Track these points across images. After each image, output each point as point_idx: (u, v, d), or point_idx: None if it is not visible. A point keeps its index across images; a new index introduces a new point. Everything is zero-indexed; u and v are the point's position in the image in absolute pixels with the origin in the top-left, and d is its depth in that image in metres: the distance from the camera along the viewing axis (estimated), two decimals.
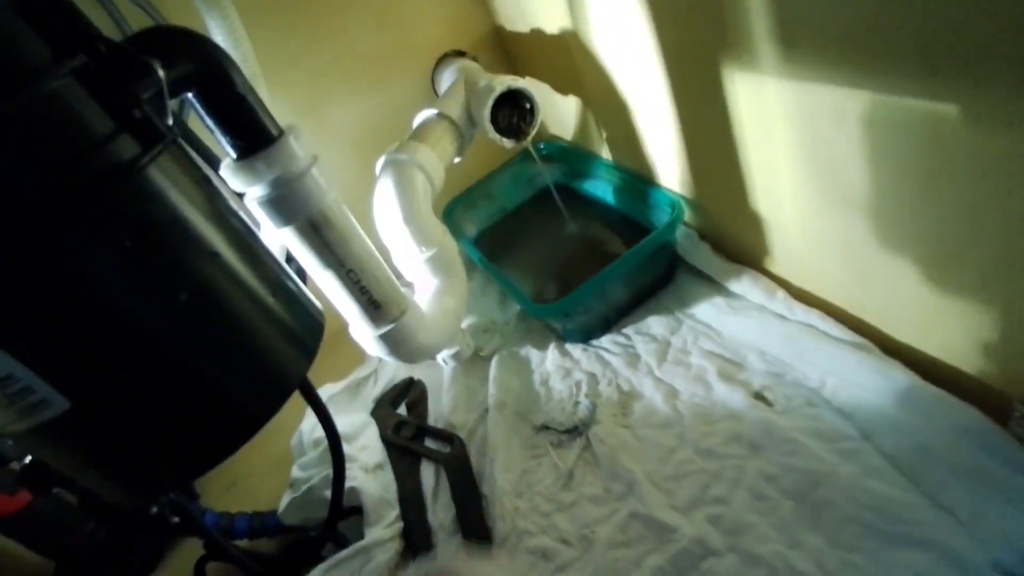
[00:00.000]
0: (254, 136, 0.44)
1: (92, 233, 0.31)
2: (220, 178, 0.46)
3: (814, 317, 0.54)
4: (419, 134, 0.65)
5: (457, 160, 0.71)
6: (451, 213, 0.88)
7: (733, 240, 0.63)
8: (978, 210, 0.36)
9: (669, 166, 0.66)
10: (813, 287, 0.55)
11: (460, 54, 0.82)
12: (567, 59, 0.71)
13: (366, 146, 0.84)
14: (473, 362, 0.75)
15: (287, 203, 0.47)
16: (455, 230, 0.85)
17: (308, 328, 0.44)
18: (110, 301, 0.32)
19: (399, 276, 0.68)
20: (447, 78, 0.77)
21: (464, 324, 0.75)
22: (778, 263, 0.58)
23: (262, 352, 0.39)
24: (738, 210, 0.57)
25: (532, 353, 0.73)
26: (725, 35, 0.44)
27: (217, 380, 0.37)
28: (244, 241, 0.40)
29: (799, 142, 0.45)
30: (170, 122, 0.38)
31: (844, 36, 0.36)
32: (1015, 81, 0.29)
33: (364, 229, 0.62)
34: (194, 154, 0.47)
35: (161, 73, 0.36)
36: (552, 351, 0.71)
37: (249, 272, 0.39)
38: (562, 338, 0.72)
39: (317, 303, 0.47)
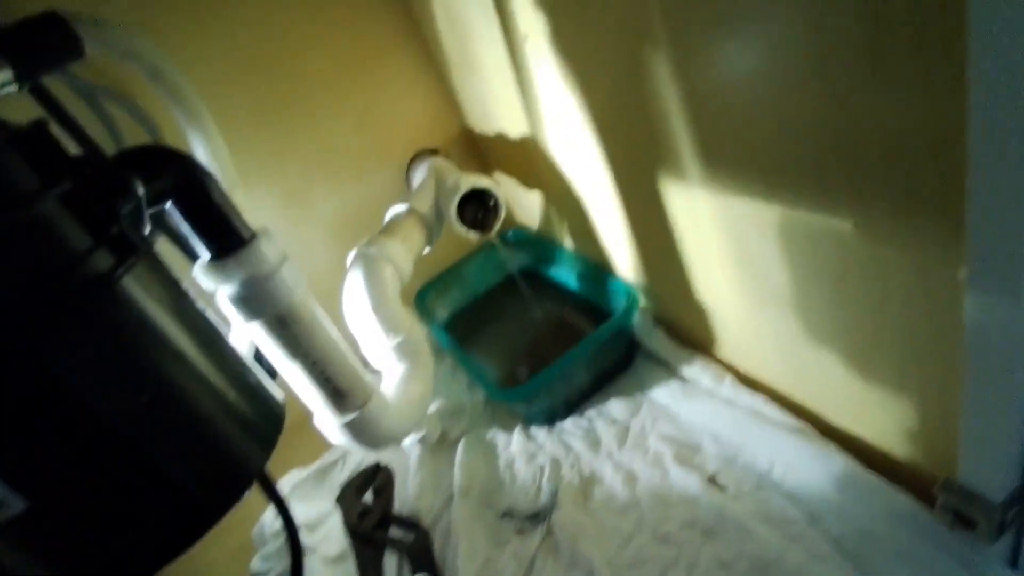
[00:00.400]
0: (227, 240, 0.48)
1: (62, 341, 0.33)
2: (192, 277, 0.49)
3: (759, 402, 0.57)
4: (389, 228, 0.70)
5: (427, 250, 0.75)
6: (423, 298, 0.91)
7: (684, 327, 0.67)
8: (882, 310, 0.39)
9: (624, 257, 0.71)
10: (757, 373, 0.59)
11: (433, 152, 0.89)
12: (528, 159, 0.77)
13: (344, 235, 0.89)
14: (440, 446, 0.76)
15: (255, 300, 0.50)
16: (427, 315, 0.88)
17: (268, 422, 0.46)
18: (73, 403, 0.34)
19: (367, 364, 0.71)
20: (420, 174, 0.83)
21: (431, 408, 0.76)
22: (725, 350, 0.62)
23: (221, 447, 0.41)
24: (686, 300, 0.61)
25: (498, 436, 0.75)
26: (658, 151, 0.50)
27: (176, 476, 0.38)
28: (209, 340, 0.42)
29: (728, 244, 0.49)
30: (147, 231, 0.42)
31: (753, 158, 0.41)
32: (894, 205, 0.34)
33: (338, 316, 0.65)
34: (171, 253, 0.51)
35: (141, 189, 0.40)
36: (517, 434, 0.73)
37: (212, 370, 0.41)
38: (527, 421, 0.74)
39: (279, 396, 0.49)
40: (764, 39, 0.35)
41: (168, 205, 0.45)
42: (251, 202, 0.81)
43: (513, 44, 0.62)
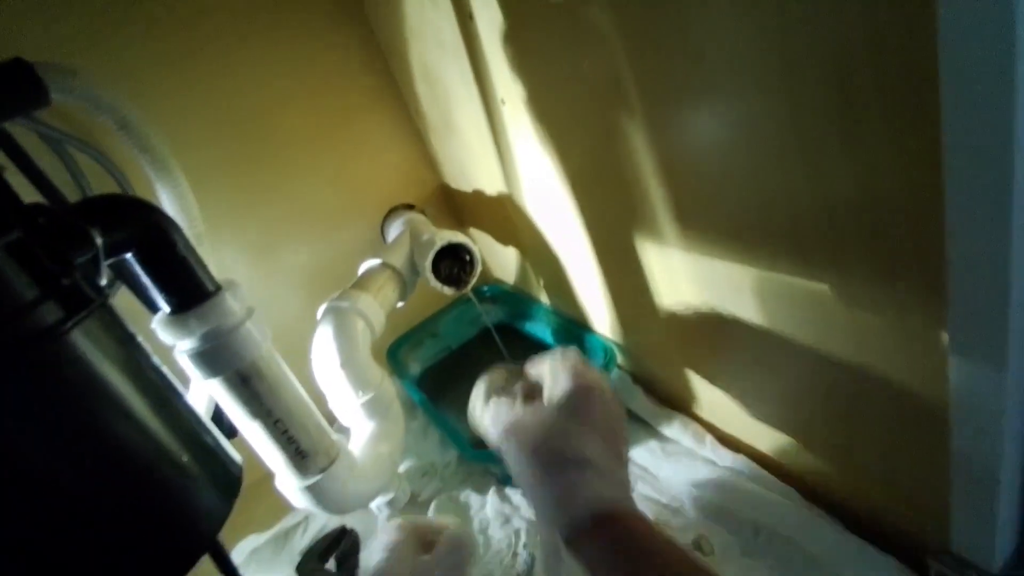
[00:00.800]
0: (189, 293, 0.46)
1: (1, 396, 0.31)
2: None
3: (740, 463, 0.55)
4: (362, 282, 0.68)
5: (400, 304, 0.74)
6: (396, 352, 0.89)
7: (663, 385, 0.66)
8: (865, 375, 0.39)
9: (600, 314, 0.70)
10: (738, 434, 0.58)
11: (409, 207, 0.88)
12: (505, 217, 0.77)
13: (315, 289, 0.87)
14: (411, 509, 0.72)
15: (216, 356, 0.47)
16: (399, 369, 0.85)
17: (223, 487, 0.42)
18: (10, 461, 0.31)
19: (334, 421, 0.67)
20: (395, 229, 0.82)
21: (402, 468, 0.73)
22: (706, 410, 0.61)
23: (170, 514, 0.38)
24: (664, 359, 0.61)
25: (472, 498, 0.71)
26: (634, 212, 0.50)
27: (119, 544, 0.35)
28: (162, 398, 0.40)
29: (706, 304, 0.49)
30: (103, 282, 0.39)
31: (729, 221, 0.42)
32: (873, 270, 0.34)
33: (307, 371, 0.62)
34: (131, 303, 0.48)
35: (99, 240, 0.38)
36: (492, 496, 0.69)
37: (163, 431, 0.38)
38: (502, 481, 0.71)
39: (237, 458, 0.46)
40: (737, 110, 0.36)
41: (130, 256, 0.43)
42: (220, 255, 0.79)
43: (491, 107, 0.63)
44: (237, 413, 0.51)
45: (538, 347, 0.86)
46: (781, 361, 0.45)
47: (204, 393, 0.66)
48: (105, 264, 0.39)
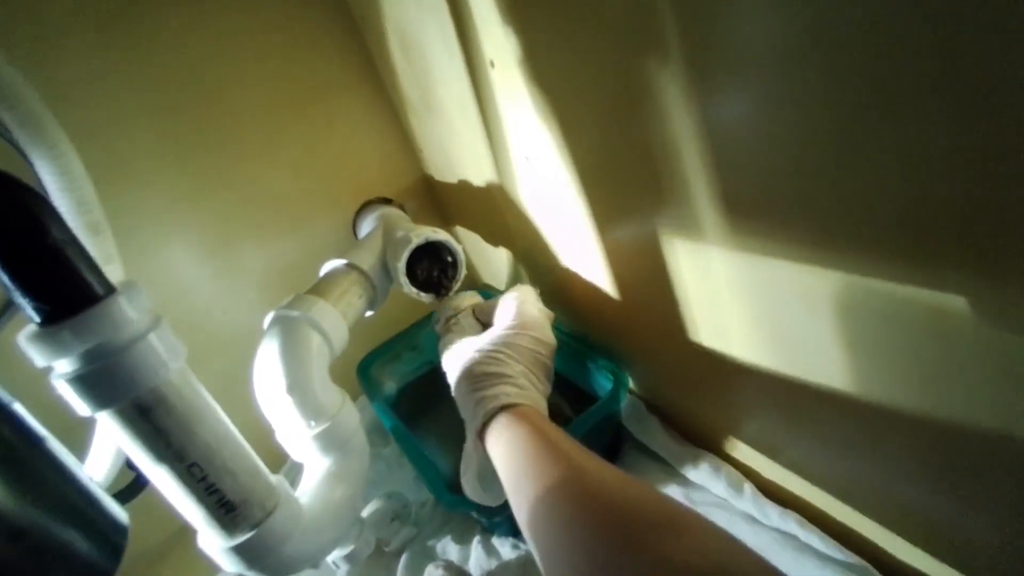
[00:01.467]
0: (66, 297, 0.34)
1: None
2: None
3: (792, 522, 0.43)
4: (320, 287, 0.57)
5: (369, 314, 0.62)
6: (367, 368, 0.77)
7: (686, 416, 0.54)
8: (1006, 420, 0.27)
9: (609, 328, 0.58)
10: (786, 480, 0.46)
11: (385, 201, 0.77)
12: (493, 210, 0.66)
13: (276, 291, 0.75)
14: (376, 561, 0.60)
15: (103, 381, 0.36)
16: (371, 388, 0.74)
17: (92, 565, 0.31)
18: None
19: (287, 460, 0.56)
20: (367, 225, 0.71)
21: (366, 511, 0.60)
22: (742, 449, 0.49)
23: None
24: (688, 384, 0.49)
25: (451, 549, 0.59)
26: (661, 199, 0.39)
27: None
28: (11, 454, 0.28)
29: (757, 319, 0.38)
30: None
31: (803, 209, 0.30)
32: None
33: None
34: None
35: None
36: (476, 549, 0.57)
37: (10, 497, 0.27)
38: (488, 529, 0.59)
39: (121, 518, 0.34)
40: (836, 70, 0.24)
41: None
42: (162, 251, 0.67)
43: (477, 74, 0.52)
44: (138, 455, 0.39)
45: None
46: (865, 398, 0.34)
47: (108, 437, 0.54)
48: None
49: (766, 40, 0.27)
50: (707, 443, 0.52)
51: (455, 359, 0.51)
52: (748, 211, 0.33)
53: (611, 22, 0.34)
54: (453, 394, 0.49)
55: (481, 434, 0.43)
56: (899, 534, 0.38)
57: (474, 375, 0.45)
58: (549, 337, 0.49)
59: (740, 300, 0.38)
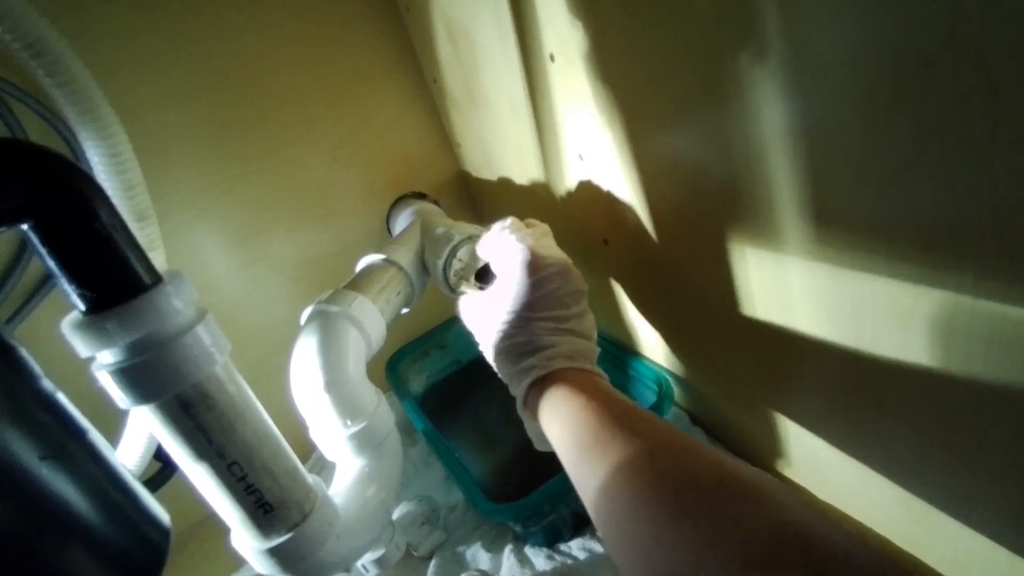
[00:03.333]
0: (112, 285, 0.33)
1: None
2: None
3: None
4: (359, 282, 0.55)
5: (405, 311, 0.60)
6: (396, 365, 0.75)
7: (735, 431, 0.52)
8: None
9: (655, 336, 0.56)
10: (846, 506, 0.43)
11: (420, 196, 0.75)
12: (535, 211, 0.64)
13: (307, 286, 0.74)
14: (405, 564, 0.58)
15: (147, 375, 0.34)
16: (399, 386, 0.72)
17: (136, 570, 0.29)
18: None
19: (313, 451, 0.54)
20: (403, 220, 0.69)
21: (396, 514, 0.59)
22: (796, 468, 0.46)
23: None
24: (743, 399, 0.47)
25: (481, 556, 0.57)
26: (738, 204, 0.37)
27: None
28: (55, 444, 0.27)
29: (840, 338, 0.35)
30: None
31: (914, 219, 0.28)
32: None
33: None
34: None
35: None
36: (508, 558, 0.55)
37: (41, 492, 0.25)
38: (522, 538, 0.57)
39: (164, 520, 0.33)
40: None
41: (26, 228, 0.30)
42: (189, 239, 0.66)
43: (533, 67, 0.50)
44: (177, 452, 0.37)
45: None
46: (969, 430, 0.31)
47: (141, 427, 0.53)
48: None
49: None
50: (758, 460, 0.50)
51: (474, 326, 0.50)
52: (840, 221, 0.31)
53: (702, 14, 0.32)
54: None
55: (522, 407, 0.43)
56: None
57: (504, 352, 0.44)
58: (562, 271, 0.44)
59: (818, 315, 0.35)
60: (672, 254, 0.47)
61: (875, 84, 0.26)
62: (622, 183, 0.47)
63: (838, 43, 0.26)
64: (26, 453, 0.24)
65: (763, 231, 0.36)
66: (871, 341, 0.33)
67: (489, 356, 0.47)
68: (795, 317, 0.37)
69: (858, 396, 0.37)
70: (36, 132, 0.52)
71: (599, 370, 0.43)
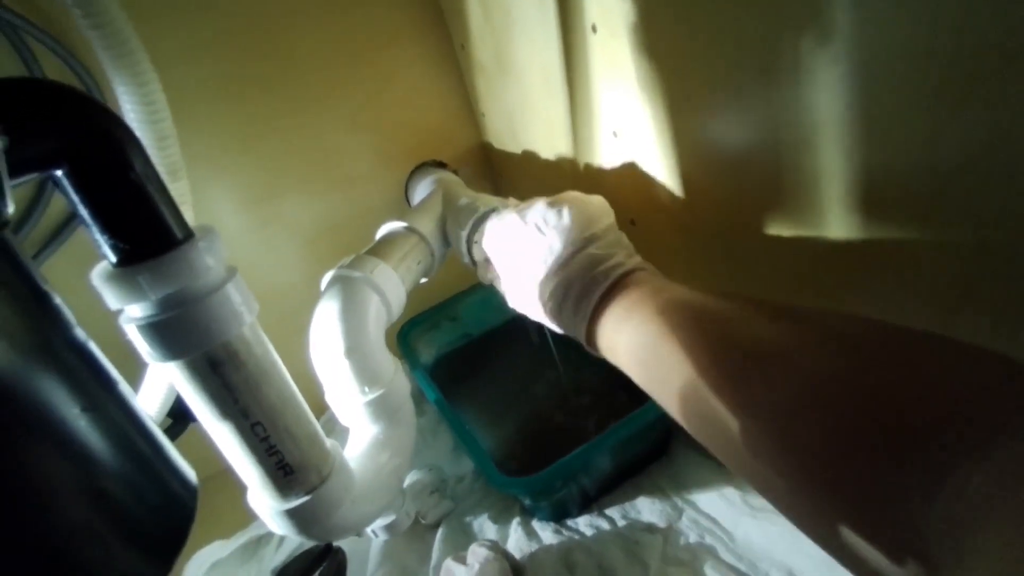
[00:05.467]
0: (145, 238, 0.32)
1: None
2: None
3: None
4: (381, 249, 0.54)
5: (424, 281, 0.60)
6: (407, 335, 0.75)
7: None
8: None
9: None
10: None
11: (440, 165, 0.74)
12: (560, 185, 0.63)
13: (321, 251, 0.74)
14: (412, 531, 0.59)
15: (178, 331, 0.34)
16: (410, 355, 0.72)
17: (165, 526, 0.29)
18: None
19: (325, 411, 0.54)
20: (422, 189, 0.68)
21: (406, 482, 0.59)
22: None
23: (80, 567, 0.24)
24: None
25: (488, 527, 0.58)
26: (777, 191, 0.36)
27: None
28: (81, 395, 0.26)
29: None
30: (10, 209, 0.25)
31: (965, 217, 0.27)
32: None
33: (305, 357, 0.49)
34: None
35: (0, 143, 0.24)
36: (516, 531, 0.56)
37: (78, 445, 0.25)
38: (530, 512, 0.58)
39: (191, 479, 0.33)
40: None
41: (60, 175, 0.29)
42: (202, 196, 0.65)
43: (572, 38, 0.48)
44: (202, 410, 0.37)
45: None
46: None
47: (162, 382, 0.53)
48: (9, 183, 0.25)
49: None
50: None
51: (506, 287, 0.48)
52: (891, 214, 0.31)
53: None
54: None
55: (585, 345, 0.39)
56: None
57: (545, 303, 0.39)
58: (582, 205, 0.41)
59: (855, 306, 0.35)
60: (704, 237, 0.46)
61: (947, 76, 0.25)
62: (657, 163, 0.46)
63: (912, 34, 0.26)
64: (67, 406, 0.24)
65: (805, 218, 0.36)
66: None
67: (529, 293, 0.41)
68: (831, 307, 0.37)
69: None
70: (53, 74, 0.51)
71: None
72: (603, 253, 0.37)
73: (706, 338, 0.27)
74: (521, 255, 0.42)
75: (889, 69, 0.27)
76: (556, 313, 0.39)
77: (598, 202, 0.43)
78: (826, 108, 0.31)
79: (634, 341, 0.32)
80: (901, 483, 0.17)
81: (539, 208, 0.42)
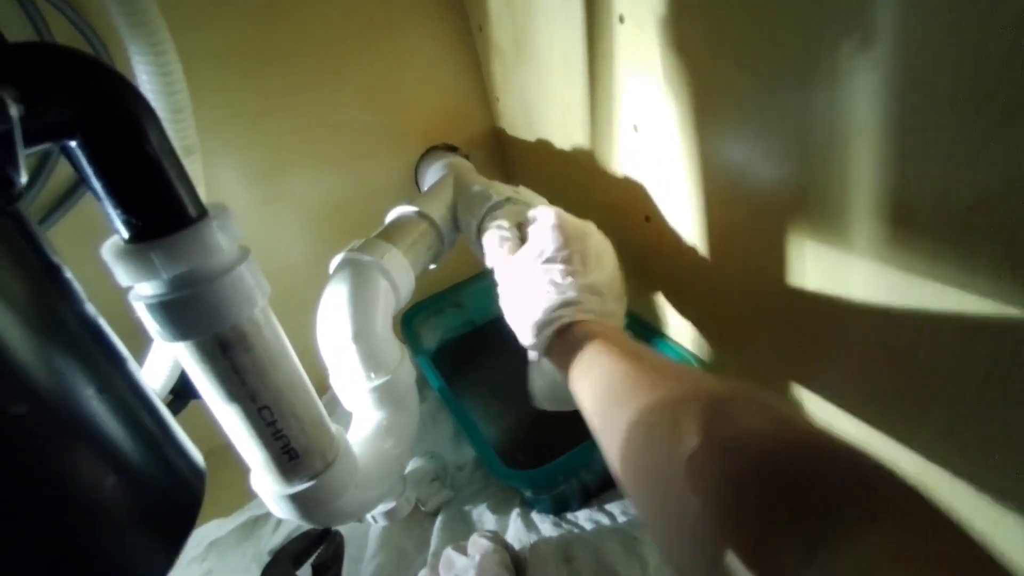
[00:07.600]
0: (159, 214, 0.31)
1: None
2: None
3: None
4: (391, 233, 0.53)
5: (432, 267, 0.59)
6: (411, 321, 0.75)
7: None
8: None
9: (686, 318, 0.56)
10: None
11: (451, 149, 0.73)
12: (570, 178, 0.62)
13: (329, 232, 0.73)
14: (412, 518, 0.59)
15: (189, 311, 0.33)
16: (413, 341, 0.71)
17: (171, 509, 0.29)
18: None
19: (327, 390, 0.54)
20: (433, 173, 0.67)
21: (407, 469, 0.59)
22: None
23: (83, 552, 0.24)
24: (771, 389, 0.47)
25: (487, 517, 0.58)
26: (803, 196, 0.36)
27: None
28: (104, 377, 0.26)
29: (887, 340, 0.35)
30: (23, 179, 0.24)
31: (1004, 237, 0.27)
32: None
33: (307, 337, 0.48)
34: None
35: (13, 112, 0.23)
36: (515, 522, 0.56)
37: (84, 427, 0.24)
38: (529, 504, 0.58)
39: (199, 462, 0.32)
40: None
41: (73, 145, 0.28)
42: (217, 170, 0.64)
43: (597, 27, 0.47)
44: (209, 392, 0.36)
45: None
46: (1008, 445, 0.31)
47: (166, 361, 0.52)
48: (23, 152, 0.24)
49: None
50: None
51: (499, 279, 0.51)
52: (921, 227, 0.30)
53: None
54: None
55: (550, 353, 0.43)
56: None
57: (529, 299, 0.44)
58: (601, 238, 0.46)
59: (874, 319, 0.35)
60: (722, 238, 0.45)
61: (991, 94, 0.25)
62: (678, 159, 0.45)
63: (957, 50, 0.25)
64: (83, 387, 0.24)
65: (830, 226, 0.35)
66: (928, 351, 0.33)
67: (514, 303, 0.47)
68: (849, 317, 0.36)
69: (900, 403, 0.36)
70: (61, 37, 0.50)
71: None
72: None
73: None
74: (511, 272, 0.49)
75: (932, 77, 0.26)
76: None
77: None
78: (860, 116, 0.30)
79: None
80: (787, 539, 0.19)
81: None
